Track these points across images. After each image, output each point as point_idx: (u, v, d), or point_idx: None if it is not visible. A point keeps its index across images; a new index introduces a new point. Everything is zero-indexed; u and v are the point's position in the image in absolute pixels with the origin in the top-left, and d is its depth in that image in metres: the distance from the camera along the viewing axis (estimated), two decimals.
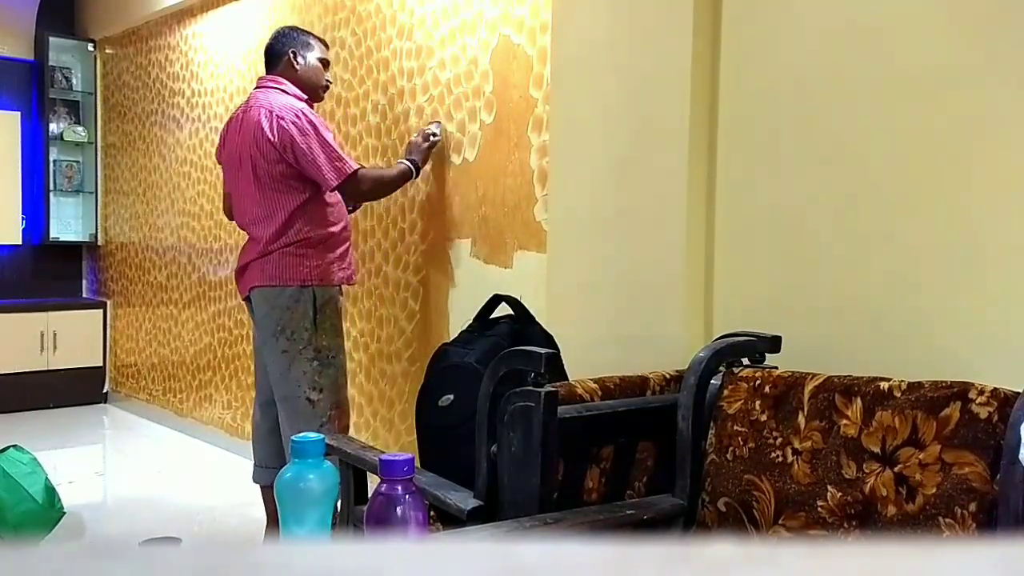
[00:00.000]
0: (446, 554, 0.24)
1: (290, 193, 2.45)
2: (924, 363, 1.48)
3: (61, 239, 5.13)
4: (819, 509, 1.36)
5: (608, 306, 2.05)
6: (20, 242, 5.04)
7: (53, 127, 5.06)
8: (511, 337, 1.95)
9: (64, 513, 2.80)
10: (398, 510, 0.98)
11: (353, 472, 1.72)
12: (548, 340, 1.97)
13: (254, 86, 2.63)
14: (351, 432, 3.13)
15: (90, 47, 5.13)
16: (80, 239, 5.21)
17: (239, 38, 3.95)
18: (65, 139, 5.09)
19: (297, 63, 2.55)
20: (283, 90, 2.52)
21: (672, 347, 1.85)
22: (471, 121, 2.75)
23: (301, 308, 2.46)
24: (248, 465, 2.79)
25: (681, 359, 1.68)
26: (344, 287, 2.64)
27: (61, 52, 5.09)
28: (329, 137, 2.46)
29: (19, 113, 5.01)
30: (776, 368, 1.56)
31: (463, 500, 1.50)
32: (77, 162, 5.19)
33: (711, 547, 0.24)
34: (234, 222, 2.68)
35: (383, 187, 2.66)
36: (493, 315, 2.12)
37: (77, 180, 5.19)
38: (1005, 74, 1.49)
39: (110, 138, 5.11)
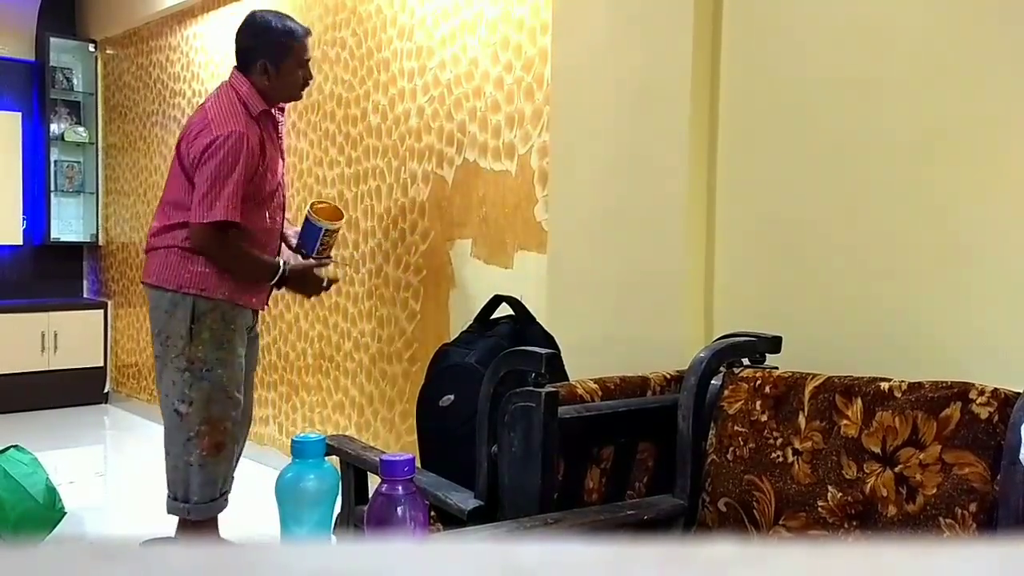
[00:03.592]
0: (446, 554, 0.24)
1: None
2: (925, 363, 1.48)
3: (62, 239, 5.13)
4: (819, 509, 1.36)
5: (608, 306, 2.05)
6: (21, 242, 5.05)
7: (54, 127, 5.06)
8: (511, 337, 1.95)
9: (65, 513, 2.80)
10: (399, 510, 0.98)
11: (354, 472, 1.72)
12: (548, 340, 1.96)
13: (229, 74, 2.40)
14: (352, 433, 3.13)
15: (91, 47, 5.13)
16: (81, 239, 5.21)
17: None
18: (66, 139, 5.09)
19: (268, 74, 2.29)
20: (240, 97, 2.28)
21: (672, 347, 1.85)
22: (471, 121, 2.75)
23: (179, 314, 2.27)
24: (247, 465, 2.79)
25: (681, 359, 1.68)
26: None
27: (62, 52, 5.09)
28: (236, 177, 2.19)
29: (20, 113, 5.01)
30: (776, 368, 1.56)
31: (463, 500, 1.50)
32: (78, 162, 5.19)
33: (711, 547, 0.24)
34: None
35: (235, 263, 2.29)
36: (493, 315, 2.12)
37: (78, 180, 5.19)
38: (1006, 75, 1.48)
39: (111, 138, 5.11)
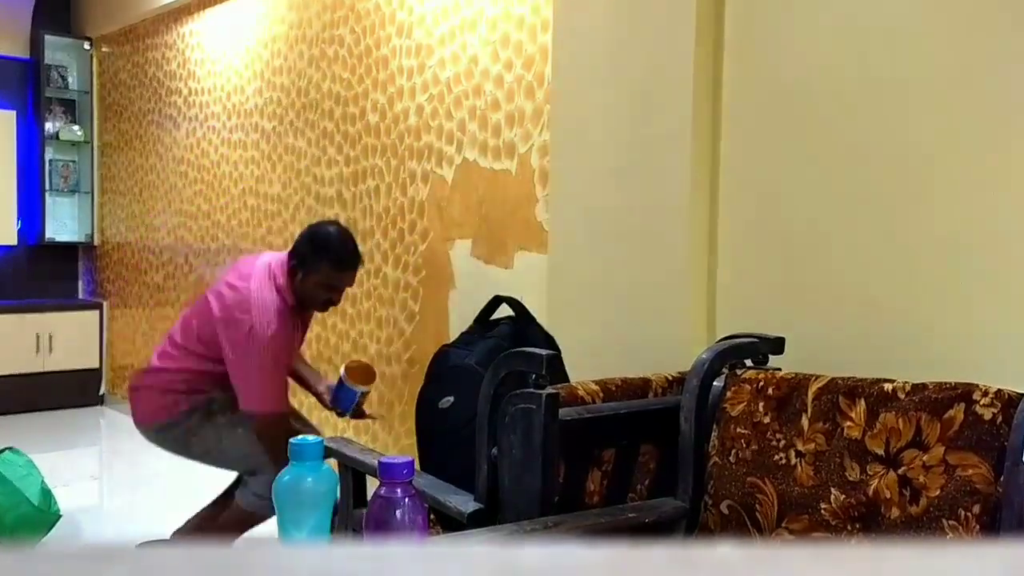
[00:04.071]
0: (446, 557, 0.23)
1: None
2: (928, 364, 1.48)
3: (57, 240, 5.12)
4: (822, 512, 1.35)
5: (610, 307, 2.04)
6: (15, 243, 5.03)
7: (49, 126, 5.05)
8: (512, 338, 1.94)
9: (60, 516, 2.79)
10: (398, 513, 0.97)
11: (352, 475, 1.70)
12: (549, 341, 1.96)
13: (277, 255, 2.41)
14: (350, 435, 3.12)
15: (86, 45, 5.12)
16: (76, 240, 5.20)
17: (236, 36, 3.95)
18: (61, 138, 5.07)
19: (295, 279, 2.32)
20: (278, 287, 2.31)
21: (674, 348, 1.84)
22: (471, 119, 2.74)
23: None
24: None
25: (683, 360, 1.67)
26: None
27: (57, 50, 5.08)
28: (275, 364, 2.26)
29: (14, 112, 5.00)
30: (779, 370, 1.56)
31: (463, 503, 1.49)
32: (73, 162, 5.18)
33: (714, 550, 0.23)
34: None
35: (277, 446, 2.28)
36: (494, 316, 2.11)
37: (73, 180, 5.18)
38: (1007, 74, 1.48)
39: (106, 137, 5.10)
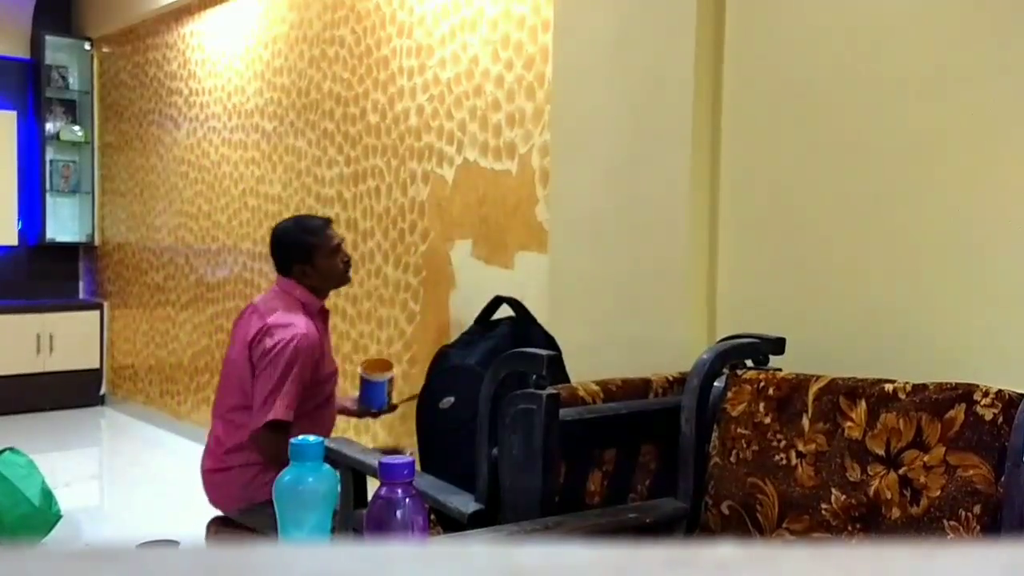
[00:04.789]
0: (446, 558, 0.23)
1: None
2: (929, 365, 1.48)
3: (57, 240, 5.12)
4: (823, 512, 1.35)
5: (610, 307, 2.04)
6: (16, 243, 5.03)
7: (49, 127, 5.05)
8: (512, 339, 1.94)
9: (61, 516, 2.79)
10: (398, 513, 0.97)
11: (353, 475, 1.70)
12: (549, 342, 1.96)
13: (270, 288, 2.38)
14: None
15: (87, 46, 5.12)
16: (77, 240, 5.20)
17: (237, 36, 3.95)
18: (61, 139, 5.08)
19: (307, 273, 2.30)
20: (297, 298, 2.29)
21: (675, 349, 1.84)
22: (471, 120, 2.74)
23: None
24: None
25: (684, 361, 1.67)
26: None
27: (57, 51, 5.08)
28: (295, 376, 2.18)
29: (15, 112, 5.00)
30: (780, 370, 1.55)
31: (464, 503, 1.49)
32: (74, 162, 5.18)
33: (714, 550, 0.23)
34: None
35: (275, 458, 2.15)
36: (494, 316, 2.11)
37: (74, 180, 5.18)
38: (1007, 74, 1.48)
39: (107, 138, 5.10)
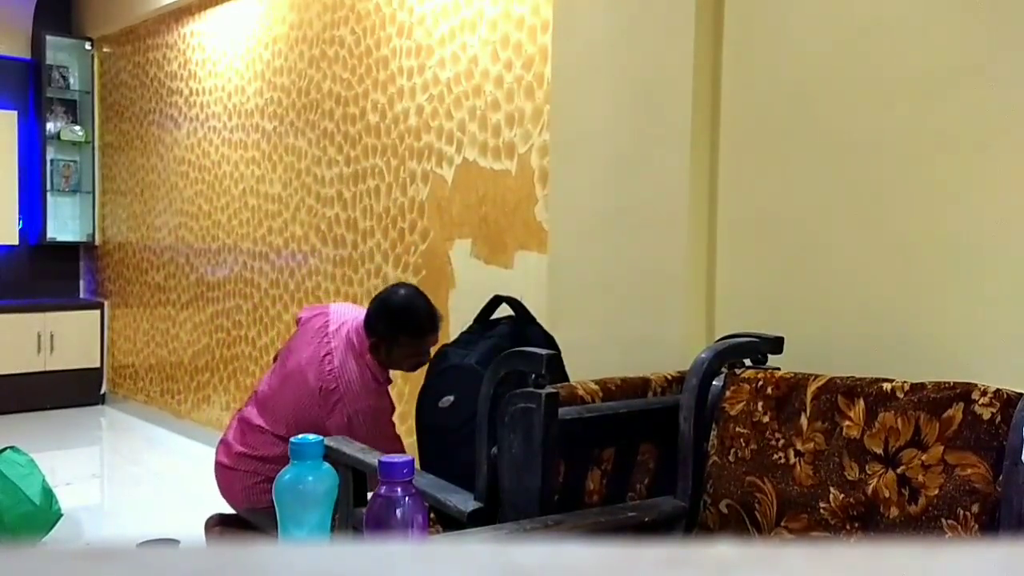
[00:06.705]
0: (446, 556, 0.23)
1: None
2: (927, 364, 1.48)
3: (58, 239, 5.12)
4: (821, 511, 1.35)
5: (609, 307, 2.04)
6: (17, 242, 5.04)
7: (50, 126, 5.05)
8: (511, 338, 1.94)
9: (61, 515, 2.79)
10: (398, 512, 0.97)
11: (352, 474, 1.71)
12: (549, 341, 1.96)
13: (354, 319, 2.25)
14: None
15: (87, 46, 5.12)
16: (77, 239, 5.20)
17: (237, 36, 3.95)
18: (62, 138, 5.08)
19: (379, 349, 2.22)
20: (369, 365, 2.22)
21: (674, 348, 1.84)
22: (471, 120, 2.75)
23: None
24: None
25: (683, 360, 1.67)
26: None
27: (58, 51, 5.08)
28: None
29: (16, 112, 5.00)
30: (778, 369, 1.56)
31: (463, 502, 1.49)
32: (74, 162, 5.18)
33: (713, 549, 0.23)
34: None
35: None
36: (494, 316, 2.11)
37: (74, 180, 5.18)
38: (1007, 75, 1.48)
39: (107, 137, 5.10)
